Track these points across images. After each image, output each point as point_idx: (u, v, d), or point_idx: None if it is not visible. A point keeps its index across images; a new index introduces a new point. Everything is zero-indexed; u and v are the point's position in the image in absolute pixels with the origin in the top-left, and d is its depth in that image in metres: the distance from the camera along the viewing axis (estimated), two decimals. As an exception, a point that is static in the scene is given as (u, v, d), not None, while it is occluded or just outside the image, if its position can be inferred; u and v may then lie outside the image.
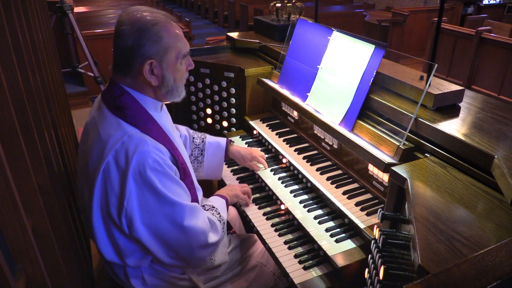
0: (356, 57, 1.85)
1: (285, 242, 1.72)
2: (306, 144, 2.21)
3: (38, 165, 1.36)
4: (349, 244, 1.61)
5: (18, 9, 1.57)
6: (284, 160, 2.13)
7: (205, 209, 1.66)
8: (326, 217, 1.76)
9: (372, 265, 1.17)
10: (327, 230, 1.68)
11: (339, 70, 1.93)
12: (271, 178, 2.06)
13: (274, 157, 2.23)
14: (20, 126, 1.21)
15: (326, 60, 2.01)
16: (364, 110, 1.81)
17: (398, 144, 1.58)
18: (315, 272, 1.58)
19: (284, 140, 2.25)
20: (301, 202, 1.86)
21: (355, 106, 1.81)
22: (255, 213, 1.91)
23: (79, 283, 1.61)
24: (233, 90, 2.49)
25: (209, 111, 2.65)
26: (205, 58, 2.63)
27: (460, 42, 6.05)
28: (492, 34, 5.70)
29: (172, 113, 2.76)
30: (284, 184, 1.99)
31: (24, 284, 1.06)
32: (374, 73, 1.76)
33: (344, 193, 1.80)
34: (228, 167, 2.28)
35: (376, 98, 1.77)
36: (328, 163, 2.04)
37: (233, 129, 2.60)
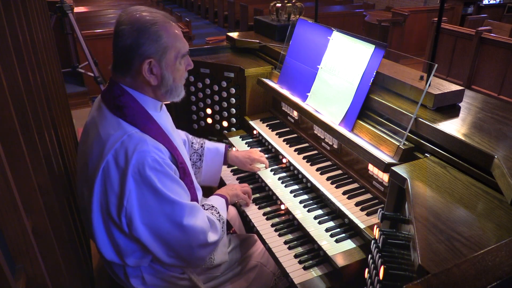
0: (356, 57, 1.85)
1: (285, 242, 1.72)
2: (306, 144, 2.21)
3: (38, 165, 1.36)
4: (349, 244, 1.61)
5: (18, 9, 1.57)
6: (284, 160, 2.13)
7: (204, 209, 1.66)
8: (326, 217, 1.76)
9: (372, 265, 1.17)
10: (327, 230, 1.68)
11: (339, 70, 1.93)
12: (271, 178, 2.06)
13: (274, 157, 2.23)
14: (20, 126, 1.21)
15: (326, 60, 2.01)
16: (364, 110, 1.81)
17: (398, 144, 1.58)
18: (315, 272, 1.58)
19: (284, 140, 2.25)
20: (301, 202, 1.86)
21: (355, 106, 1.81)
22: (255, 213, 1.91)
23: (79, 283, 1.61)
24: (233, 90, 2.49)
25: (209, 111, 2.65)
26: (205, 58, 2.63)
27: (460, 42, 6.05)
28: (492, 34, 5.70)
29: (172, 113, 2.75)
30: (284, 184, 1.99)
31: (24, 284, 1.06)
32: (374, 73, 1.76)
33: (344, 193, 1.80)
34: (228, 167, 2.28)
35: (376, 98, 1.77)
36: (328, 163, 2.04)
37: (233, 129, 2.60)
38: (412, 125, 1.58)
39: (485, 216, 1.13)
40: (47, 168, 1.43)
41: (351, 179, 1.90)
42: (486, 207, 1.17)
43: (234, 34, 2.84)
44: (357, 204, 1.73)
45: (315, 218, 1.76)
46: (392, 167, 1.37)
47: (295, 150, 2.15)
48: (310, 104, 2.07)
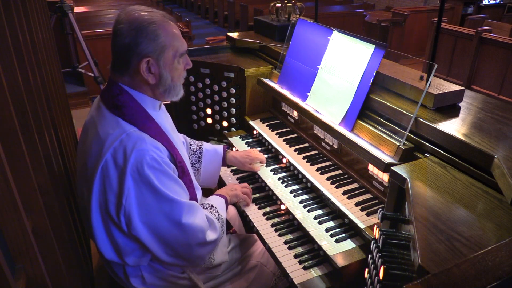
0: (356, 57, 1.85)
1: (285, 242, 1.72)
2: (306, 144, 2.21)
3: (38, 165, 1.36)
4: (349, 244, 1.61)
5: (18, 9, 1.57)
6: (284, 160, 2.13)
7: (203, 208, 1.67)
8: (326, 217, 1.76)
9: (372, 265, 1.17)
10: (327, 230, 1.68)
11: (339, 70, 1.93)
12: (271, 178, 2.06)
13: (274, 157, 2.23)
14: (20, 126, 1.21)
15: (326, 60, 2.01)
16: (364, 110, 1.81)
17: (398, 144, 1.58)
18: (315, 272, 1.58)
19: (284, 140, 2.25)
20: (301, 202, 1.86)
21: (355, 106, 1.81)
22: (255, 213, 1.91)
23: (79, 283, 1.61)
24: (233, 90, 2.49)
25: (209, 111, 2.65)
26: (205, 58, 2.63)
27: (460, 42, 6.05)
28: (492, 34, 5.70)
29: (172, 113, 2.76)
30: (284, 184, 1.99)
31: (24, 284, 1.06)
32: (374, 73, 1.76)
33: (344, 193, 1.80)
34: (228, 167, 2.28)
35: (376, 98, 1.77)
36: (328, 163, 2.04)
37: (233, 129, 2.60)
38: (412, 125, 1.58)
39: (485, 216, 1.13)
40: (47, 168, 1.43)
41: (351, 179, 1.90)
42: (486, 207, 1.17)
43: (234, 34, 2.84)
44: (357, 204, 1.73)
45: (315, 218, 1.76)
46: (392, 167, 1.37)
47: (295, 150, 2.15)
48: (310, 104, 2.07)
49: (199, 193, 1.74)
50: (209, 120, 2.69)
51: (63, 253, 1.43)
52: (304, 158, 2.08)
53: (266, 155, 2.21)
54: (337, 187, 1.85)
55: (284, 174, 2.08)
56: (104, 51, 5.60)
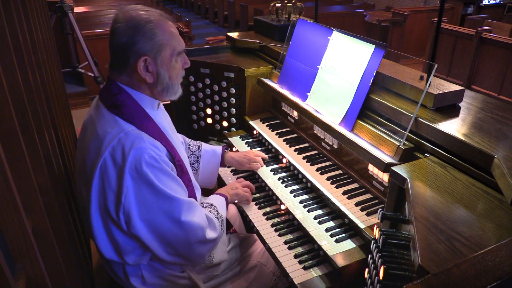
0: (356, 57, 1.85)
1: (285, 242, 1.72)
2: (306, 144, 2.21)
3: (38, 165, 1.36)
4: (349, 244, 1.61)
5: (18, 9, 1.57)
6: (284, 160, 2.13)
7: (203, 207, 1.67)
8: (326, 217, 1.76)
9: (372, 265, 1.17)
10: (327, 230, 1.68)
11: (339, 70, 1.93)
12: (271, 178, 2.06)
13: (274, 157, 2.23)
14: (20, 126, 1.21)
15: (326, 60, 2.01)
16: (364, 110, 1.81)
17: (398, 144, 1.58)
18: (315, 272, 1.58)
19: (284, 140, 2.25)
20: (301, 202, 1.86)
21: (355, 106, 1.81)
22: (255, 213, 1.91)
23: (79, 283, 1.61)
24: (233, 90, 2.49)
25: (209, 111, 2.65)
26: (205, 58, 2.63)
27: (460, 42, 6.05)
28: (492, 34, 5.70)
29: (172, 113, 2.76)
30: (284, 184, 1.99)
31: (24, 284, 1.06)
32: (374, 73, 1.76)
33: (344, 193, 1.80)
34: (228, 167, 2.28)
35: (376, 98, 1.77)
36: (328, 163, 2.04)
37: (233, 129, 2.60)
38: (412, 125, 1.58)
39: (485, 216, 1.13)
40: (47, 168, 1.43)
41: (351, 179, 1.90)
42: (486, 207, 1.17)
43: (234, 34, 2.84)
44: (357, 204, 1.73)
45: (315, 218, 1.76)
46: (392, 167, 1.37)
47: (295, 150, 2.15)
48: (310, 104, 2.07)
49: (198, 193, 1.74)
50: (209, 120, 2.69)
51: (63, 253, 1.43)
52: (304, 158, 2.08)
53: (266, 155, 2.21)
54: (337, 187, 1.85)
55: (284, 174, 2.08)
56: (104, 51, 5.59)
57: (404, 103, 1.71)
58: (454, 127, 1.50)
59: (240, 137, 2.45)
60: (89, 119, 1.52)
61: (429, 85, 1.63)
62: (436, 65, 1.62)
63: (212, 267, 1.76)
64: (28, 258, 1.11)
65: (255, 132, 2.42)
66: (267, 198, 2.02)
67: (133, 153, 1.35)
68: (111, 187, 1.38)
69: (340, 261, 1.51)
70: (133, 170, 1.35)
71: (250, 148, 2.30)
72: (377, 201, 1.75)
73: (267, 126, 2.42)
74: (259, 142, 2.39)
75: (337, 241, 1.62)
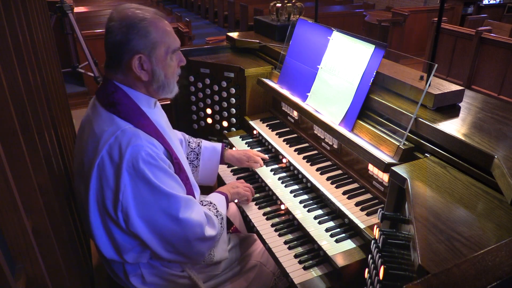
0: (356, 57, 1.85)
1: (285, 242, 1.72)
2: (306, 144, 2.21)
3: (38, 165, 1.36)
4: (349, 244, 1.61)
5: (18, 9, 1.57)
6: (284, 160, 2.13)
7: (202, 205, 1.67)
8: (326, 217, 1.76)
9: (372, 265, 1.17)
10: (327, 230, 1.68)
11: (339, 70, 1.93)
12: (271, 178, 2.06)
13: (274, 157, 2.23)
14: (20, 126, 1.21)
15: (326, 60, 2.01)
16: (364, 110, 1.81)
17: (398, 144, 1.58)
18: (315, 272, 1.58)
19: (284, 140, 2.25)
20: (301, 202, 1.86)
21: (355, 106, 1.81)
22: (255, 213, 1.91)
23: (79, 283, 1.61)
24: (233, 90, 2.49)
25: (209, 111, 2.65)
26: (205, 58, 2.63)
27: (460, 42, 6.05)
28: (492, 34, 5.70)
29: (173, 113, 2.77)
30: (284, 184, 1.99)
31: (24, 284, 1.06)
32: (374, 73, 1.76)
33: (344, 193, 1.80)
34: (228, 167, 2.28)
35: (376, 98, 1.77)
36: (328, 163, 2.04)
37: (233, 129, 2.60)
38: (412, 125, 1.58)
39: (485, 216, 1.13)
40: (47, 168, 1.42)
41: (351, 179, 1.90)
42: (486, 207, 1.17)
43: (234, 34, 2.84)
44: (357, 204, 1.73)
45: (315, 218, 1.76)
46: (392, 167, 1.37)
47: (295, 150, 2.15)
48: (310, 104, 2.07)
49: (197, 192, 1.74)
50: (209, 120, 2.69)
51: (63, 253, 1.43)
52: (304, 158, 2.08)
53: (266, 155, 2.21)
54: (337, 187, 1.85)
55: (284, 174, 2.08)
56: (104, 51, 5.60)
57: (404, 103, 1.71)
58: (454, 127, 1.50)
59: (240, 137, 2.45)
60: (86, 118, 1.52)
61: (429, 85, 1.63)
62: (436, 65, 1.62)
63: (212, 267, 1.76)
64: (28, 258, 1.11)
65: (255, 132, 2.42)
66: (267, 198, 2.02)
67: (130, 150, 1.36)
68: (109, 185, 1.38)
69: (340, 261, 1.51)
70: (130, 167, 1.36)
71: (250, 148, 2.30)
72: (377, 201, 1.75)
73: (267, 126, 2.42)
74: (259, 142, 2.39)
75: (337, 241, 1.62)
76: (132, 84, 1.48)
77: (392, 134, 1.66)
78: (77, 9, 6.90)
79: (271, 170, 2.11)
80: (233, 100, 2.52)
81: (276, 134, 2.32)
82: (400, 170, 1.35)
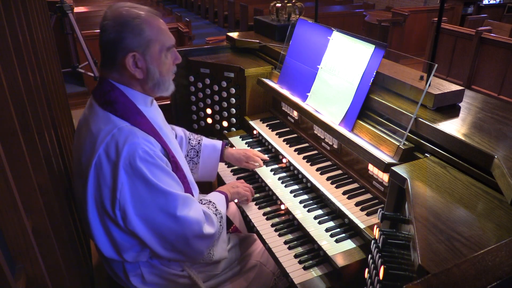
0: (356, 57, 1.85)
1: (285, 242, 1.72)
2: (306, 144, 2.21)
3: (38, 165, 1.36)
4: (349, 244, 1.61)
5: (18, 9, 1.57)
6: (284, 160, 2.13)
7: (201, 203, 1.67)
8: (326, 217, 1.76)
9: (372, 265, 1.17)
10: (327, 230, 1.68)
11: (339, 70, 1.93)
12: (271, 178, 2.06)
13: (274, 157, 2.23)
14: (20, 126, 1.21)
15: (326, 60, 2.01)
16: (364, 110, 1.81)
17: (398, 144, 1.58)
18: (315, 272, 1.58)
19: (284, 140, 2.25)
20: (301, 202, 1.86)
21: (355, 106, 1.81)
22: (255, 213, 1.91)
23: (79, 283, 1.61)
24: (233, 90, 2.49)
25: (209, 111, 2.65)
26: (205, 58, 2.63)
27: (460, 42, 6.05)
28: (492, 34, 5.70)
29: (172, 113, 2.77)
30: (284, 184, 1.99)
31: (24, 284, 1.06)
32: (374, 73, 1.76)
33: (344, 193, 1.80)
34: (228, 167, 2.28)
35: (376, 98, 1.77)
36: (328, 163, 2.04)
37: (233, 129, 2.60)
38: (412, 125, 1.58)
39: (485, 216, 1.13)
40: (47, 168, 1.42)
41: (351, 179, 1.90)
42: (486, 207, 1.17)
43: (234, 34, 2.84)
44: (357, 204, 1.73)
45: (315, 218, 1.76)
46: (392, 167, 1.37)
47: (295, 150, 2.15)
48: (310, 104, 2.07)
49: (195, 191, 1.74)
50: (209, 120, 2.69)
51: (63, 253, 1.43)
52: (304, 158, 2.08)
53: (266, 155, 2.21)
54: (337, 187, 1.85)
55: (284, 174, 2.08)
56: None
57: (404, 103, 1.71)
58: (454, 127, 1.50)
59: (240, 137, 2.45)
60: (83, 118, 1.53)
61: (429, 85, 1.63)
62: (436, 65, 1.62)
63: (211, 266, 1.76)
64: (28, 258, 1.11)
65: (255, 132, 2.42)
66: (267, 198, 2.02)
67: (127, 148, 1.36)
68: (106, 183, 1.39)
69: (340, 261, 1.51)
70: (127, 165, 1.36)
71: (250, 148, 2.30)
72: (377, 201, 1.75)
73: (267, 126, 2.42)
74: (259, 142, 2.39)
75: (337, 241, 1.62)
76: (127, 82, 1.49)
77: (392, 134, 1.66)
78: (77, 9, 6.89)
79: (271, 170, 2.11)
80: (233, 100, 2.52)
81: (276, 134, 2.32)
82: (400, 170, 1.35)
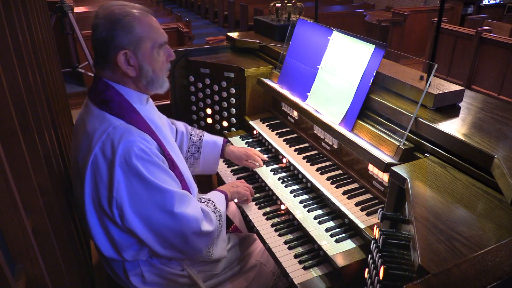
0: (356, 57, 1.85)
1: (285, 242, 1.72)
2: (306, 144, 2.21)
3: (38, 165, 1.36)
4: (349, 244, 1.61)
5: (18, 9, 1.57)
6: (284, 160, 2.13)
7: (200, 202, 1.67)
8: (326, 217, 1.76)
9: (372, 265, 1.17)
10: (327, 230, 1.68)
11: (339, 70, 1.93)
12: (271, 178, 2.06)
13: (274, 157, 2.23)
14: (20, 126, 1.21)
15: (326, 60, 2.01)
16: (364, 110, 1.81)
17: (398, 144, 1.58)
18: (315, 272, 1.58)
19: (284, 140, 2.25)
20: (301, 202, 1.86)
21: (355, 106, 1.81)
22: (255, 213, 1.91)
23: (79, 283, 1.61)
24: (233, 90, 2.49)
25: (209, 111, 2.65)
26: (205, 58, 2.63)
27: (460, 42, 6.05)
28: (492, 34, 5.70)
29: (172, 113, 2.76)
30: (284, 184, 1.99)
31: (24, 284, 1.06)
32: (374, 73, 1.76)
33: (344, 193, 1.80)
34: (228, 167, 2.28)
35: (376, 98, 1.77)
36: (328, 163, 2.04)
37: (233, 129, 2.60)
38: (412, 125, 1.58)
39: (485, 216, 1.13)
40: (47, 168, 1.42)
41: (351, 179, 1.90)
42: (486, 207, 1.17)
43: (234, 34, 2.84)
44: (357, 204, 1.73)
45: (315, 218, 1.76)
46: (392, 167, 1.37)
47: (295, 150, 2.15)
48: (310, 104, 2.07)
49: (194, 190, 1.73)
50: (209, 120, 2.69)
51: (63, 253, 1.43)
52: (304, 158, 2.08)
53: (266, 155, 2.21)
54: (337, 187, 1.85)
55: (284, 174, 2.08)
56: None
57: (404, 103, 1.71)
58: (454, 127, 1.50)
59: (240, 137, 2.45)
60: (79, 119, 1.54)
61: (429, 85, 1.63)
62: (436, 65, 1.62)
63: (211, 266, 1.76)
64: (28, 258, 1.11)
65: (255, 132, 2.42)
66: (267, 198, 2.02)
67: (122, 146, 1.36)
68: (103, 181, 1.39)
69: (340, 261, 1.51)
70: (123, 163, 1.36)
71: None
72: (377, 201, 1.75)
73: (267, 126, 2.42)
74: (259, 142, 2.39)
75: (337, 241, 1.62)
76: (121, 80, 1.49)
77: (392, 134, 1.66)
78: (77, 9, 6.89)
79: (271, 170, 2.11)
80: (233, 100, 2.52)
81: (276, 134, 2.32)
82: (400, 170, 1.35)
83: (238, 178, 2.17)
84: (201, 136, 2.10)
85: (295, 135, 2.31)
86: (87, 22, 6.32)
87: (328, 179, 1.91)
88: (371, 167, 1.78)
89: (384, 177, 1.70)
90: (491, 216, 1.13)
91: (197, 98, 2.65)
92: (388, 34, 7.38)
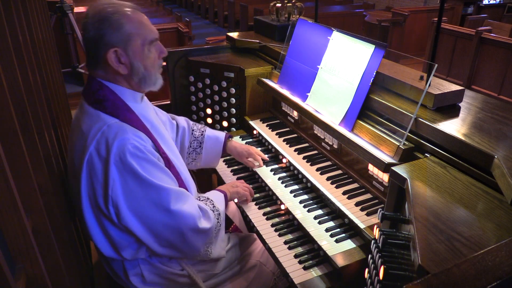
0: (356, 57, 1.85)
1: (285, 242, 1.72)
2: (306, 144, 2.21)
3: (38, 165, 1.36)
4: (349, 244, 1.61)
5: (18, 9, 1.57)
6: (284, 160, 2.13)
7: (199, 200, 1.67)
8: (326, 217, 1.76)
9: (372, 265, 1.17)
10: (327, 230, 1.68)
11: (339, 70, 1.93)
12: (271, 178, 2.06)
13: (274, 157, 2.23)
14: (20, 126, 1.21)
15: (326, 60, 2.01)
16: (364, 110, 1.81)
17: (398, 144, 1.58)
18: (315, 272, 1.58)
19: (284, 140, 2.25)
20: (301, 202, 1.86)
21: (355, 106, 1.81)
22: (255, 213, 1.91)
23: (79, 283, 1.61)
24: (233, 90, 2.49)
25: (209, 111, 2.65)
26: (205, 58, 2.63)
27: (460, 42, 6.05)
28: (492, 34, 5.70)
29: (172, 113, 2.76)
30: (284, 184, 1.99)
31: (24, 284, 1.06)
32: (374, 73, 1.76)
33: (344, 193, 1.80)
34: (228, 167, 2.28)
35: (376, 98, 1.77)
36: (328, 163, 2.04)
37: (233, 129, 2.60)
38: (412, 125, 1.58)
39: (485, 216, 1.13)
40: (47, 168, 1.42)
41: (351, 179, 1.90)
42: (486, 207, 1.17)
43: (234, 34, 2.84)
44: (357, 204, 1.73)
45: (315, 218, 1.76)
46: (392, 167, 1.37)
47: (295, 150, 2.15)
48: (310, 104, 2.07)
49: (191, 188, 1.73)
50: (209, 120, 2.69)
51: (63, 253, 1.43)
52: (304, 158, 2.08)
53: (266, 155, 2.21)
54: (337, 187, 1.85)
55: (284, 174, 2.08)
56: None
57: (404, 103, 1.71)
58: (454, 127, 1.50)
59: (240, 137, 2.45)
60: (75, 119, 1.54)
61: (429, 85, 1.63)
62: (436, 65, 1.62)
63: (211, 265, 1.76)
64: (28, 258, 1.11)
65: (255, 132, 2.42)
66: (267, 198, 2.02)
67: (117, 144, 1.36)
68: (98, 180, 1.39)
69: (340, 261, 1.51)
70: (118, 161, 1.36)
71: (251, 148, 2.30)
72: (377, 201, 1.75)
73: (267, 126, 2.42)
74: (259, 142, 2.39)
75: (337, 241, 1.62)
76: (113, 79, 1.49)
77: (392, 134, 1.66)
78: (77, 9, 6.89)
79: (271, 170, 2.11)
80: (233, 100, 2.52)
81: (276, 134, 2.32)
82: (400, 170, 1.35)
83: (238, 178, 2.17)
84: (203, 132, 2.10)
85: (295, 135, 2.31)
86: (87, 22, 6.32)
87: (328, 179, 1.91)
88: (371, 167, 1.78)
89: (384, 177, 1.70)
90: (491, 216, 1.13)
91: (197, 98, 2.65)
92: (388, 34, 7.38)
